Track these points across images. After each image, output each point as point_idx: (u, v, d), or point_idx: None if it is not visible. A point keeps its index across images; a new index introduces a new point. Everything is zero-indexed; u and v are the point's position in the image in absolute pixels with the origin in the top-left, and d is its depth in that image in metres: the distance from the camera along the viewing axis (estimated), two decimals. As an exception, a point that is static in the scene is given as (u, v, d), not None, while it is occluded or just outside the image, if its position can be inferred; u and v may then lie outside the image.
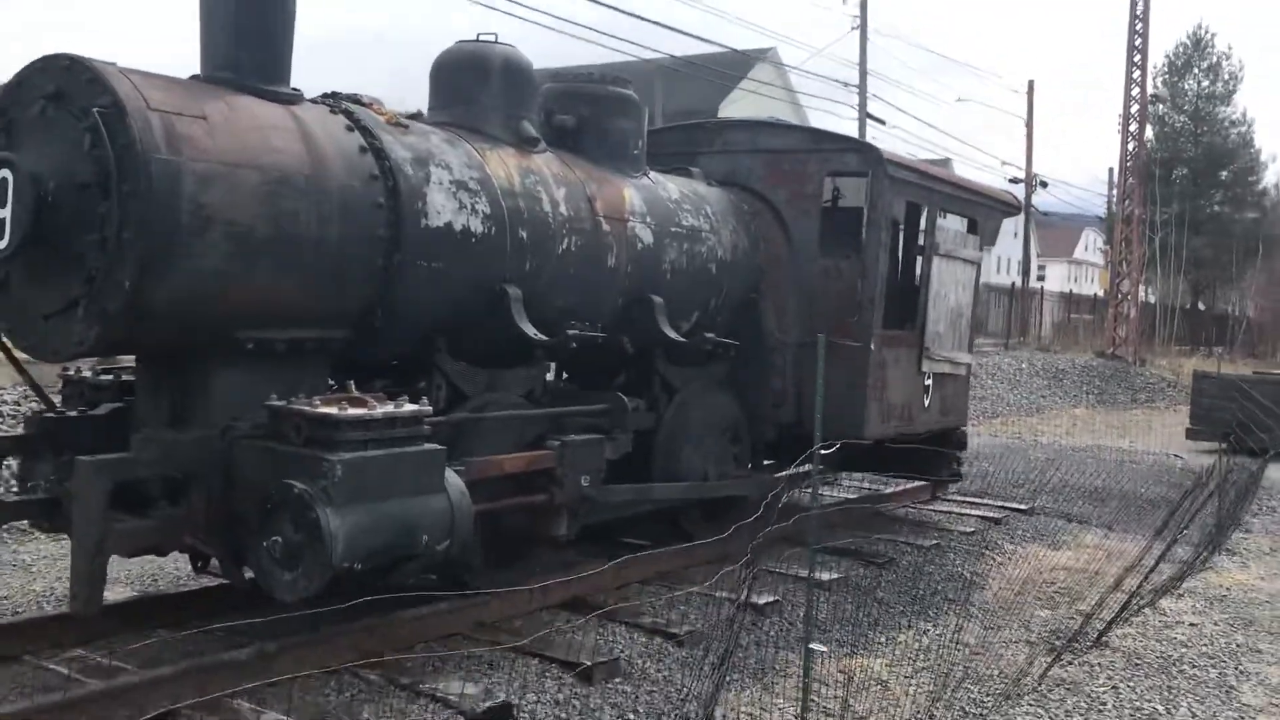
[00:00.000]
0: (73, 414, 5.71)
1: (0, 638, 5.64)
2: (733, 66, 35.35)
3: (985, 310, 35.52)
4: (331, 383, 6.23)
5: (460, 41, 6.99)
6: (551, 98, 7.57)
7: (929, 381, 9.52)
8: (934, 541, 9.49)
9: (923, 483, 10.84)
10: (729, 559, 8.21)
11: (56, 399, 6.18)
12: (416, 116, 6.60)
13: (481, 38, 7.00)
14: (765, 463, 9.67)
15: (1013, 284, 38.85)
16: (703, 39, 34.16)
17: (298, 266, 5.39)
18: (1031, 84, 42.74)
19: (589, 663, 5.85)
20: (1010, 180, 41.25)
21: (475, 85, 6.83)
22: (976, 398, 23.76)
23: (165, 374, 5.56)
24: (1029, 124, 41.97)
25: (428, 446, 5.44)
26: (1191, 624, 7.93)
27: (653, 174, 7.98)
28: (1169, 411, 26.13)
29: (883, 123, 34.07)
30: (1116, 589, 7.57)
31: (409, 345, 6.27)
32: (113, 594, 6.85)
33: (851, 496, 11.20)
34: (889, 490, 11.04)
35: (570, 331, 6.57)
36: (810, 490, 6.30)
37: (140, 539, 5.12)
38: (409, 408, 5.37)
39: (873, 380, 8.67)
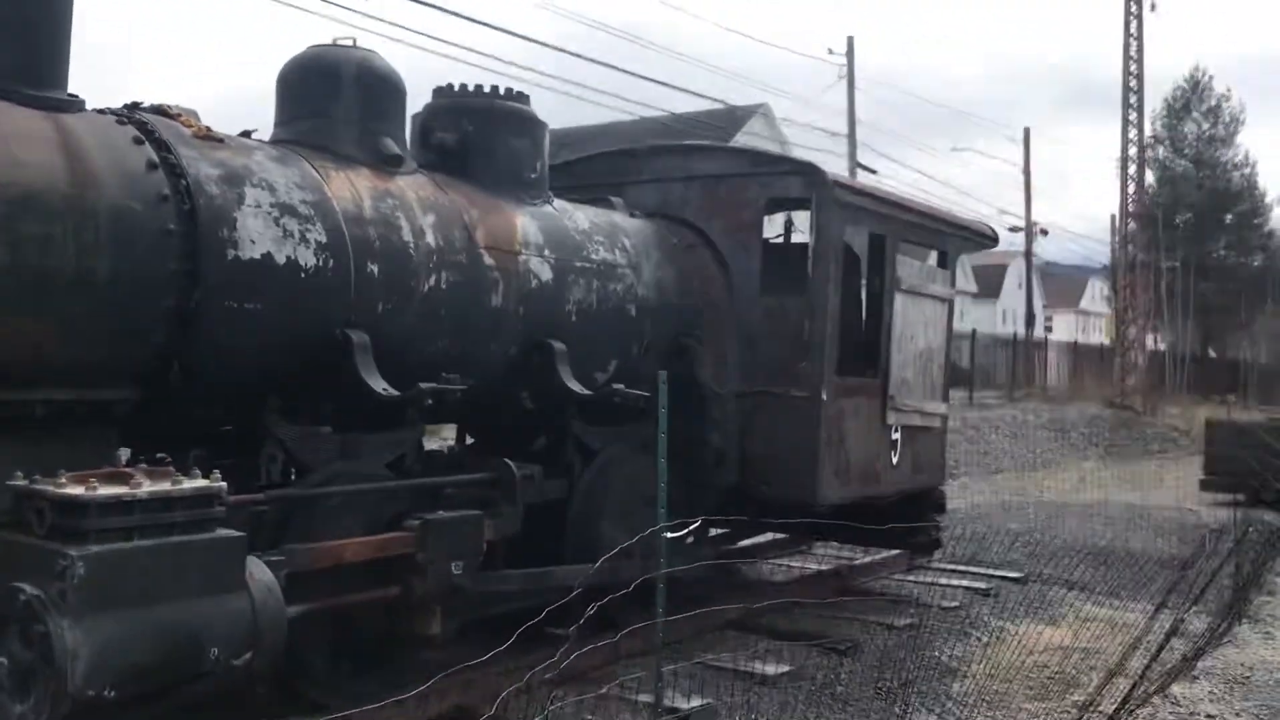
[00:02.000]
0: None
1: None
2: (727, 123, 34.67)
3: (992, 362, 34.41)
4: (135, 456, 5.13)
5: (311, 46, 5.94)
6: (433, 114, 6.53)
7: (896, 435, 8.34)
8: (909, 620, 8.23)
9: (896, 552, 9.58)
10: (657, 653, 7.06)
11: None
12: (247, 134, 5.52)
13: (338, 42, 5.96)
14: (712, 533, 8.48)
15: (1014, 334, 37.69)
16: (703, 95, 33.74)
17: (50, 308, 4.28)
18: (1027, 131, 42.02)
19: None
20: (1010, 229, 40.29)
21: (324, 96, 5.77)
22: (977, 452, 22.53)
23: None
24: (1026, 171, 41.13)
25: (221, 534, 4.29)
26: (1209, 715, 6.67)
27: (558, 202, 6.89)
28: (1183, 462, 24.79)
29: (874, 172, 33.14)
30: (1119, 673, 6.34)
31: (228, 406, 5.15)
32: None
33: (824, 569, 9.98)
34: (860, 561, 9.80)
35: (424, 385, 5.40)
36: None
37: None
38: (190, 484, 4.23)
39: (826, 435, 7.49)
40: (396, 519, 5.48)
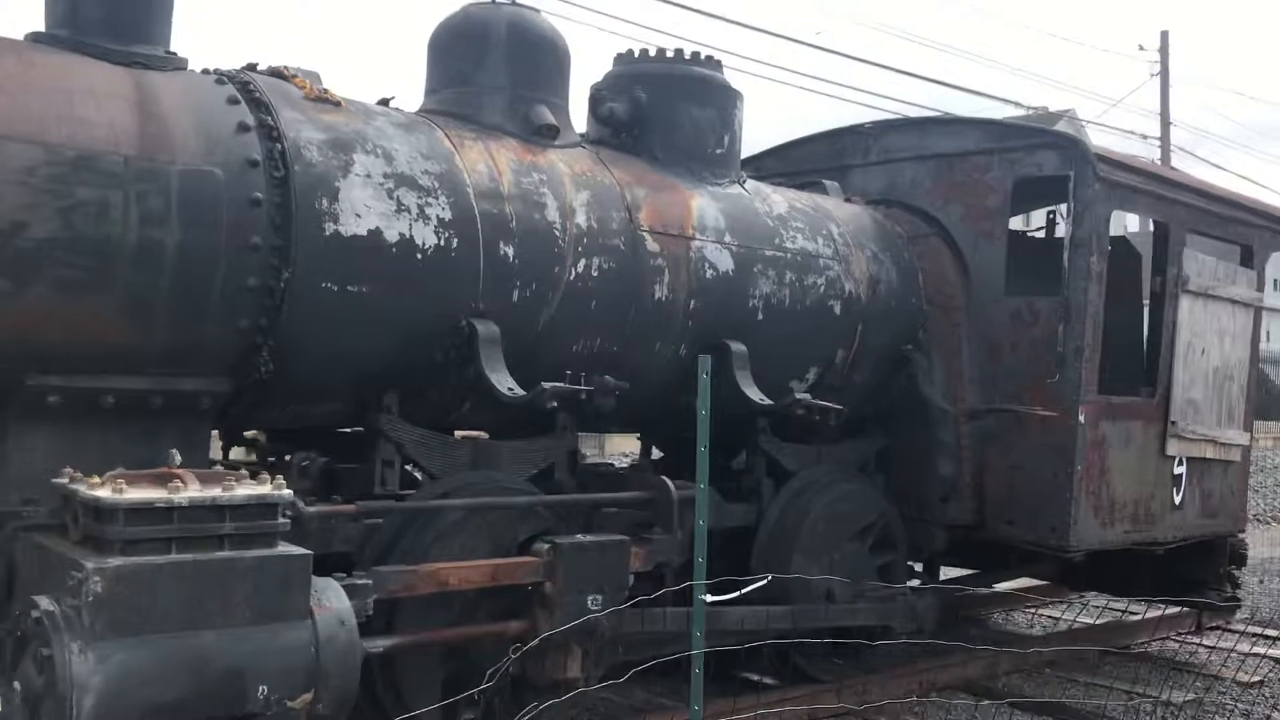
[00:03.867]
0: None
1: None
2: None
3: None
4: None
5: (464, 6, 5.31)
6: (606, 82, 5.76)
7: (1180, 469, 6.82)
8: (1191, 696, 6.68)
9: (1180, 609, 7.94)
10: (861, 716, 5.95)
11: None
12: (385, 102, 4.94)
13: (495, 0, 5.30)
14: (944, 579, 7.26)
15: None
16: (1007, 100, 31.70)
17: (111, 284, 3.79)
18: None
19: None
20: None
21: (470, 61, 5.09)
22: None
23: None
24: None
25: (281, 550, 3.65)
26: None
27: (751, 183, 5.95)
28: None
29: (1191, 178, 29.92)
30: None
31: (334, 403, 4.54)
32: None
33: (1093, 623, 8.45)
34: (1134, 618, 8.19)
35: (548, 385, 4.58)
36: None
37: None
38: (245, 490, 3.61)
39: (1084, 466, 6.14)
40: (530, 542, 4.72)
